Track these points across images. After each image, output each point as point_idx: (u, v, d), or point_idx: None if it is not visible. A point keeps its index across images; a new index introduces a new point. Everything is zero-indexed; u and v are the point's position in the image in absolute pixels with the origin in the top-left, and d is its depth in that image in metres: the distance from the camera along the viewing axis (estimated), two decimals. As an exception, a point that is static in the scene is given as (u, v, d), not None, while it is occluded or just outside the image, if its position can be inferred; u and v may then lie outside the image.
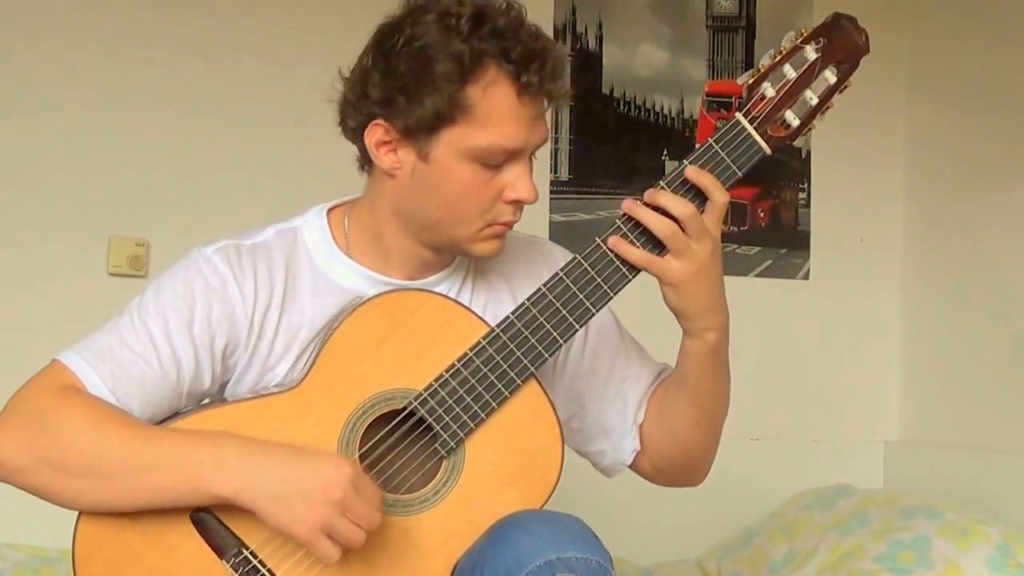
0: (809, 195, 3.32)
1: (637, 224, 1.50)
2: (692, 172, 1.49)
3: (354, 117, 1.54)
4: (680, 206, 1.47)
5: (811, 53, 1.53)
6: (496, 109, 1.47)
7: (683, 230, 1.47)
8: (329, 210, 1.64)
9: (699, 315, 1.53)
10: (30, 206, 2.74)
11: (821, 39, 1.53)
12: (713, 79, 3.26)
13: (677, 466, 1.71)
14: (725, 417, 1.70)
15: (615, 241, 1.50)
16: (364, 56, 1.53)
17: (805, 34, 1.54)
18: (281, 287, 1.57)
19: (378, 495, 1.43)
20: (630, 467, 1.73)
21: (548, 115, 1.56)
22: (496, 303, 1.64)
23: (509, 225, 1.55)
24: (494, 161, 1.49)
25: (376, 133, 1.52)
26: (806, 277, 3.31)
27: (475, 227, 1.53)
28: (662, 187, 1.50)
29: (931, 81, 3.32)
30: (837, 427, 3.29)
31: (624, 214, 1.51)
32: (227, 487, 1.41)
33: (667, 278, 1.50)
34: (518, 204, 1.54)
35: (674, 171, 1.51)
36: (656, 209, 1.48)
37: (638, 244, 1.50)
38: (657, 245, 1.50)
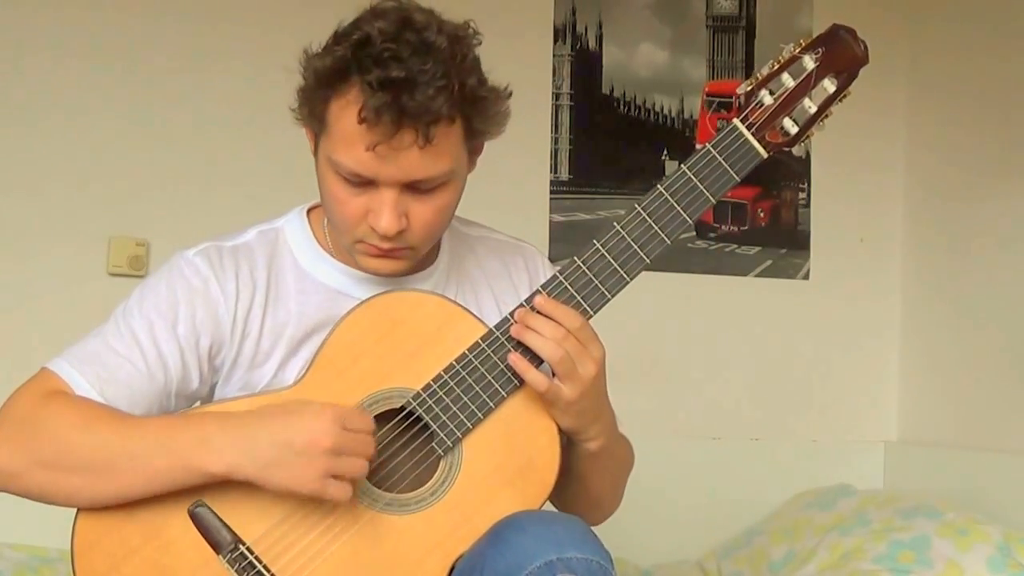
0: (809, 195, 3.32)
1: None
2: (540, 303, 1.50)
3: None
4: (550, 329, 1.48)
5: (809, 62, 1.54)
6: (344, 130, 1.46)
7: (567, 352, 1.48)
8: (309, 210, 1.66)
9: (583, 430, 1.55)
10: (30, 207, 2.74)
11: (820, 49, 1.54)
12: (713, 79, 3.26)
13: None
14: (625, 481, 1.73)
15: (516, 359, 1.50)
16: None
17: (804, 44, 1.55)
18: (264, 287, 1.59)
19: (367, 422, 1.45)
20: None
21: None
22: (480, 304, 1.65)
23: (380, 251, 1.53)
24: (352, 180, 1.49)
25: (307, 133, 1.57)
26: (806, 277, 3.31)
27: (348, 239, 1.54)
28: (533, 308, 1.51)
29: (931, 83, 3.32)
30: (837, 427, 3.29)
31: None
32: (218, 463, 1.42)
33: (557, 404, 1.51)
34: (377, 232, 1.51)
35: (532, 296, 1.52)
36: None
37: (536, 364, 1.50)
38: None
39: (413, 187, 1.49)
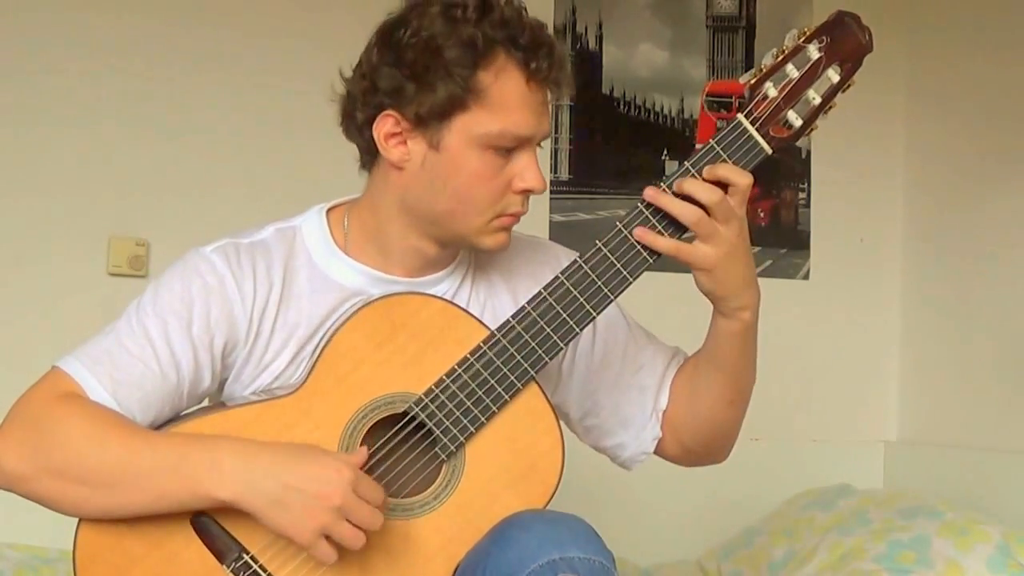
0: (809, 195, 3.32)
1: (656, 211, 1.49)
2: (710, 171, 1.48)
3: (362, 110, 1.54)
4: (707, 193, 1.46)
5: (814, 52, 1.51)
6: (507, 95, 1.48)
7: (712, 215, 1.47)
8: (329, 210, 1.64)
9: (733, 295, 1.54)
10: (30, 206, 2.73)
11: (824, 38, 1.51)
12: (713, 79, 3.26)
13: (706, 446, 1.72)
14: (751, 392, 1.70)
15: (641, 232, 1.49)
16: (369, 51, 1.54)
17: (808, 33, 1.52)
18: (279, 284, 1.57)
19: (379, 496, 1.43)
20: (656, 453, 1.73)
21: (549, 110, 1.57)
22: (495, 302, 1.65)
23: (517, 216, 1.56)
24: (505, 147, 1.50)
25: (386, 124, 1.52)
26: (806, 277, 3.31)
27: (485, 218, 1.54)
28: (692, 174, 1.49)
29: (930, 83, 3.32)
30: (837, 427, 3.29)
31: (644, 202, 1.50)
32: (225, 491, 1.41)
33: (699, 264, 1.49)
34: (527, 194, 1.54)
35: (678, 171, 1.50)
36: (680, 197, 1.48)
37: (660, 229, 1.49)
38: (679, 230, 1.50)
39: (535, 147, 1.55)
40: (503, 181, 1.52)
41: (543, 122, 1.53)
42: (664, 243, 1.49)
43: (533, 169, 1.52)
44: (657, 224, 1.50)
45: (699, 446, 1.71)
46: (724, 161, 1.50)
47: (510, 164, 1.52)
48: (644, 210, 1.50)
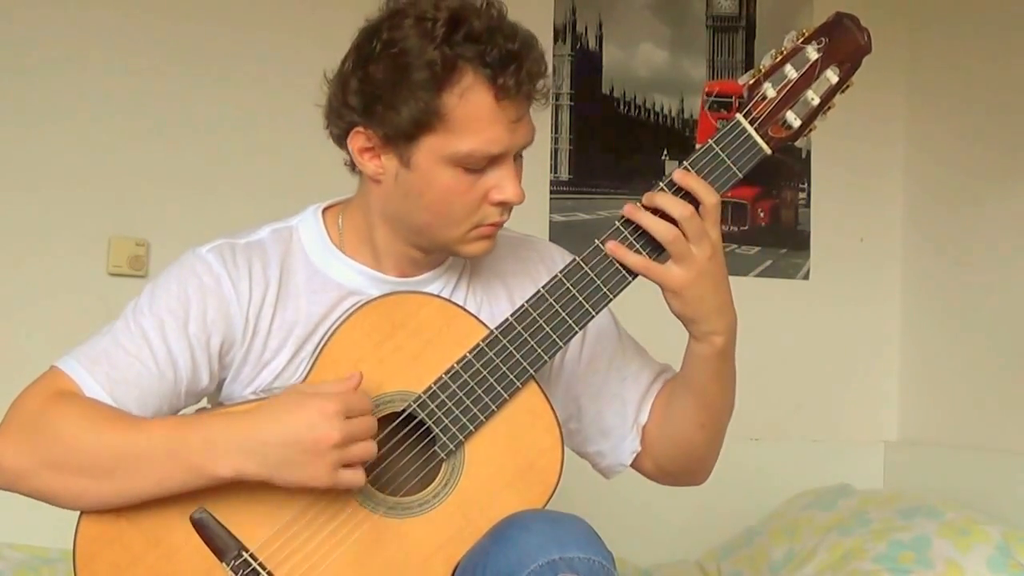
0: (809, 195, 3.32)
1: (637, 227, 1.49)
2: (679, 176, 1.48)
3: (337, 124, 1.54)
4: (678, 207, 1.47)
5: (812, 53, 1.51)
6: (474, 115, 1.46)
7: (683, 232, 1.47)
8: (324, 209, 1.65)
9: (703, 319, 1.53)
10: (30, 206, 2.74)
11: (823, 39, 1.51)
12: (713, 79, 3.26)
13: (680, 467, 1.71)
14: (730, 419, 1.69)
15: (613, 246, 1.49)
16: (345, 61, 1.54)
17: (807, 34, 1.52)
18: (276, 284, 1.57)
19: (367, 403, 1.43)
20: (632, 467, 1.73)
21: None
22: (491, 299, 1.65)
23: (497, 226, 1.55)
24: (476, 166, 1.49)
25: (358, 140, 1.52)
26: (806, 277, 3.31)
27: (462, 229, 1.53)
28: (662, 188, 1.49)
29: (930, 83, 3.32)
30: (837, 427, 3.29)
31: (623, 217, 1.50)
32: (226, 467, 1.41)
33: (668, 284, 1.49)
34: (504, 206, 1.53)
35: (670, 174, 1.50)
36: (655, 211, 1.48)
37: (638, 248, 1.49)
38: (657, 249, 1.49)
39: (516, 155, 1.53)
40: (478, 194, 1.51)
41: (517, 136, 1.50)
42: (634, 260, 1.49)
43: (510, 181, 1.50)
44: (634, 240, 1.49)
45: (672, 466, 1.71)
46: (722, 163, 1.50)
47: (485, 177, 1.50)
48: (622, 227, 1.50)
